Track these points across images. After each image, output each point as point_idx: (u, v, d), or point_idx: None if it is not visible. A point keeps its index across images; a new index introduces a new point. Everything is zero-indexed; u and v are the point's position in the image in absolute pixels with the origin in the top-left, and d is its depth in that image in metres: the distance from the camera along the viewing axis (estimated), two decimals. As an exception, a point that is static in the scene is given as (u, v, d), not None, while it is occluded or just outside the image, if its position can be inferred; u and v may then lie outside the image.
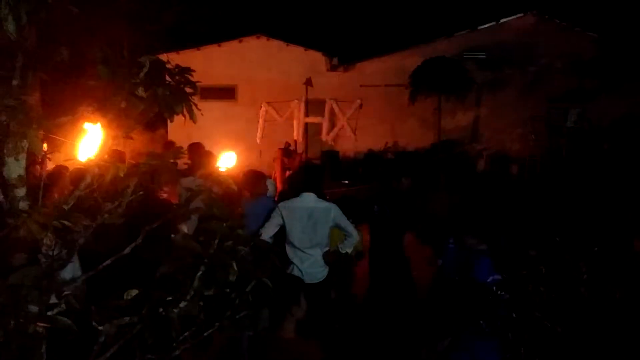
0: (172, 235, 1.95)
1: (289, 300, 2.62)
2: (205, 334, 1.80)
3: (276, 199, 4.83)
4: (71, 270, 2.17)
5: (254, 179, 4.53)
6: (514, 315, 2.61)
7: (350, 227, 4.19)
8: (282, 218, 4.09)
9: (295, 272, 4.00)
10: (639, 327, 2.60)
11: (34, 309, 1.22)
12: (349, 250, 4.30)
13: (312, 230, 4.07)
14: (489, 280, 2.83)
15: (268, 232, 4.06)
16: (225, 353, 3.12)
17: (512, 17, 14.42)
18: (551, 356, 2.61)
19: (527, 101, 13.70)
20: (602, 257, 2.80)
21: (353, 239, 4.23)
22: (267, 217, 4.18)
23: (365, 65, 14.77)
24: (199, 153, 5.23)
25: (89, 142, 1.51)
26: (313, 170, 4.60)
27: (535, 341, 2.61)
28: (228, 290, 1.67)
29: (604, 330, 2.62)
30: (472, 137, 14.19)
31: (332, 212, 4.12)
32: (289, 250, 4.11)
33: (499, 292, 2.72)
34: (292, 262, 4.08)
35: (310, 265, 4.07)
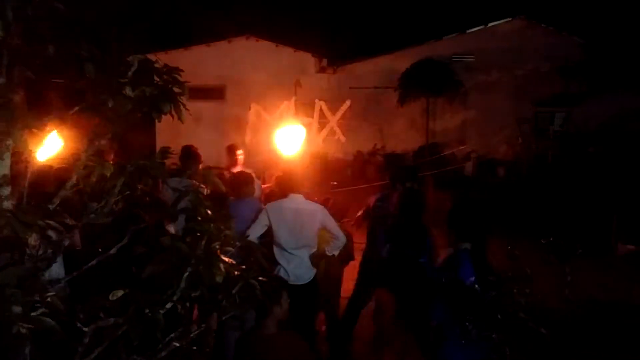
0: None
1: (271, 300, 2.64)
2: (191, 335, 1.80)
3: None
4: (56, 270, 2.15)
5: (241, 181, 4.51)
6: (499, 316, 2.63)
7: (336, 230, 4.18)
8: (269, 219, 4.08)
9: (282, 273, 3.98)
10: (621, 328, 2.63)
11: (17, 309, 1.20)
12: (336, 253, 4.29)
13: (298, 231, 4.06)
14: (469, 281, 2.85)
15: (255, 233, 4.04)
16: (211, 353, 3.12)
17: (501, 22, 14.58)
18: (536, 357, 2.64)
19: (515, 104, 13.84)
20: (585, 259, 2.83)
21: (340, 242, 4.22)
22: (254, 219, 4.17)
23: (355, 66, 14.81)
24: (189, 154, 5.19)
25: (75, 141, 1.50)
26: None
27: (520, 342, 2.63)
28: (215, 291, 1.66)
29: (587, 332, 2.65)
30: (460, 140, 14.29)
31: (319, 214, 4.11)
32: (276, 251, 4.10)
33: (482, 292, 2.74)
34: (278, 263, 4.07)
35: (296, 266, 4.06)
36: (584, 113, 12.52)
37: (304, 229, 4.07)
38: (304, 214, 4.08)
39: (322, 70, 14.89)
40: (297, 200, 4.12)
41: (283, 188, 4.28)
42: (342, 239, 4.21)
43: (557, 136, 12.69)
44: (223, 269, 1.60)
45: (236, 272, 1.69)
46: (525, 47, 13.91)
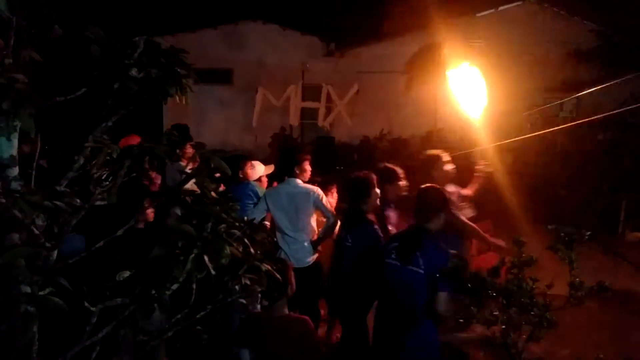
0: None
1: (276, 283, 2.65)
2: (197, 317, 1.81)
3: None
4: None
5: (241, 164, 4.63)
6: (504, 301, 2.64)
7: (326, 210, 4.25)
8: (267, 204, 4.19)
9: (283, 257, 4.07)
10: (626, 315, 2.63)
11: (25, 289, 1.22)
12: (329, 235, 4.30)
13: (294, 214, 4.16)
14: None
15: (255, 217, 4.11)
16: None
17: (512, 5, 14.35)
18: (539, 342, 2.66)
19: (524, 90, 13.69)
20: (592, 246, 2.82)
21: (330, 222, 4.26)
22: (250, 202, 4.32)
23: (363, 50, 14.67)
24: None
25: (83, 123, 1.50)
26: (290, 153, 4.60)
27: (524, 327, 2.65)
28: (221, 273, 1.67)
29: (592, 318, 2.65)
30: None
31: (312, 195, 4.17)
32: (277, 235, 4.22)
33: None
34: (280, 247, 4.18)
35: (296, 250, 4.17)
36: (595, 100, 12.37)
37: (299, 211, 4.17)
38: (298, 197, 4.16)
39: (329, 54, 14.77)
40: (292, 184, 4.20)
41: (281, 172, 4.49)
42: (332, 219, 4.24)
43: (566, 123, 12.57)
44: (229, 251, 1.61)
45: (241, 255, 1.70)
46: (535, 32, 13.70)
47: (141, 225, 3.28)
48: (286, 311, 2.90)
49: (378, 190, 3.85)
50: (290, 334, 2.75)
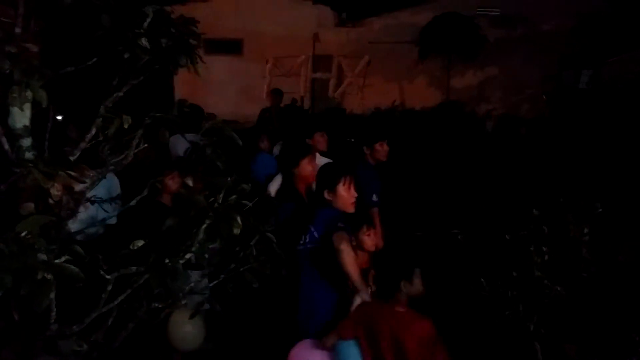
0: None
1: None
2: (210, 285, 1.84)
3: None
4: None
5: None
6: (514, 274, 2.64)
7: None
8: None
9: None
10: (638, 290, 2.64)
11: (42, 256, 1.24)
12: None
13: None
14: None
15: (272, 190, 4.12)
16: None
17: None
18: (550, 314, 2.66)
19: (539, 61, 13.39)
20: (606, 219, 2.80)
21: None
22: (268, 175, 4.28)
23: (375, 21, 14.40)
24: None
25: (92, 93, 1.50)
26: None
27: (535, 299, 2.65)
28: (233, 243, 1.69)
29: (605, 292, 2.66)
30: (481, 97, 13.97)
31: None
32: None
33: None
34: None
35: None
36: (612, 71, 12.08)
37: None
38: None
39: (341, 23, 14.52)
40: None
41: None
42: None
43: (583, 94, 12.31)
44: (240, 222, 1.62)
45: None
46: (551, 2, 13.31)
47: (167, 200, 3.24)
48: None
49: None
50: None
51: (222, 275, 1.77)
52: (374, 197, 4.08)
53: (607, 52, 12.01)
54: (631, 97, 9.59)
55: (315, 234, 2.95)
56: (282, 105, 9.59)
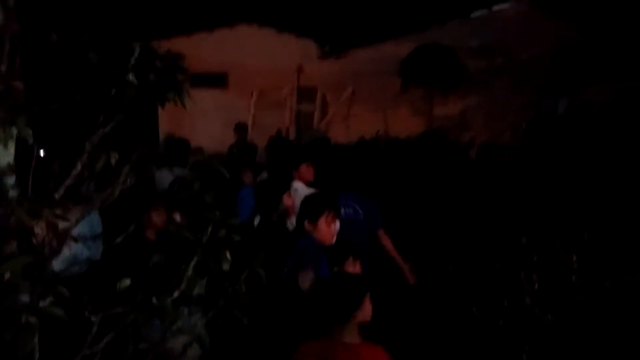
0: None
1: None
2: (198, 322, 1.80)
3: None
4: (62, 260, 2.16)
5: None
6: (505, 303, 2.63)
7: None
8: None
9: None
10: (629, 316, 2.63)
11: (25, 298, 1.20)
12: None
13: None
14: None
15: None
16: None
17: (505, 5, 14.41)
18: (541, 344, 2.64)
19: (519, 89, 13.72)
20: (592, 245, 2.82)
21: None
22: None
23: (358, 52, 14.68)
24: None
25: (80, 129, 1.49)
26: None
27: (525, 329, 2.63)
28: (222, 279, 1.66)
29: (594, 318, 2.65)
30: (463, 125, 14.21)
31: None
32: None
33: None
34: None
35: None
36: (588, 98, 12.40)
37: None
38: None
39: (324, 56, 14.77)
40: (294, 187, 4.21)
41: None
42: None
43: (562, 121, 12.59)
44: (229, 257, 1.60)
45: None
46: (529, 31, 13.75)
47: (151, 235, 3.17)
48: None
49: None
50: None
51: (211, 313, 1.73)
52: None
53: (583, 80, 12.36)
54: (604, 123, 9.82)
55: (291, 265, 2.95)
56: (269, 137, 9.58)
